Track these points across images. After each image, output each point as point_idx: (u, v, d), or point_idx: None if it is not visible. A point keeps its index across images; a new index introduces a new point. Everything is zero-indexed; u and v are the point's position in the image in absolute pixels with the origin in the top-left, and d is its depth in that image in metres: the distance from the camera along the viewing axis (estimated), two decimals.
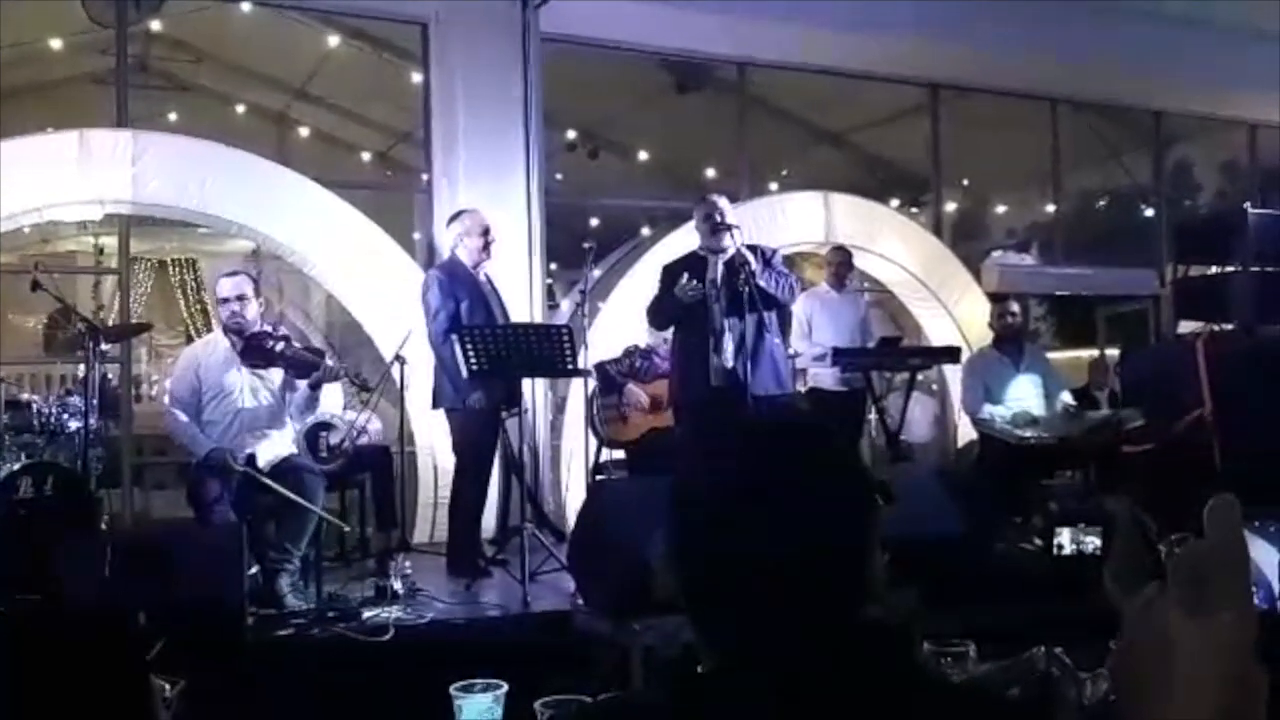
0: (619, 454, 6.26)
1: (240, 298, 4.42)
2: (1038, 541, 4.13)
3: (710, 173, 9.68)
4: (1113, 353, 8.74)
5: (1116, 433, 5.45)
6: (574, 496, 6.32)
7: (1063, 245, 9.75)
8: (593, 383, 5.92)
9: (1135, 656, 0.90)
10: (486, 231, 5.16)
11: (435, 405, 5.11)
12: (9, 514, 4.21)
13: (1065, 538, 3.85)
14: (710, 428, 1.21)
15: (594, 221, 9.92)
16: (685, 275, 4.86)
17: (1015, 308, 6.15)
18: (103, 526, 4.55)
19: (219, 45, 9.05)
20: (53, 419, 4.87)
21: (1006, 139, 9.55)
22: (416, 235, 7.37)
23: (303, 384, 4.47)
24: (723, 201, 5.02)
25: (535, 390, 6.12)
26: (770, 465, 1.06)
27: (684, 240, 5.96)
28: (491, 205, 6.39)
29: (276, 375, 4.42)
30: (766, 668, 1.00)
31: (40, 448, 4.86)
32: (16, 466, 4.39)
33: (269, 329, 4.40)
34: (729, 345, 4.86)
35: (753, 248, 4.93)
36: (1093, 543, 3.80)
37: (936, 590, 3.61)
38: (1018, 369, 5.90)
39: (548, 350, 4.54)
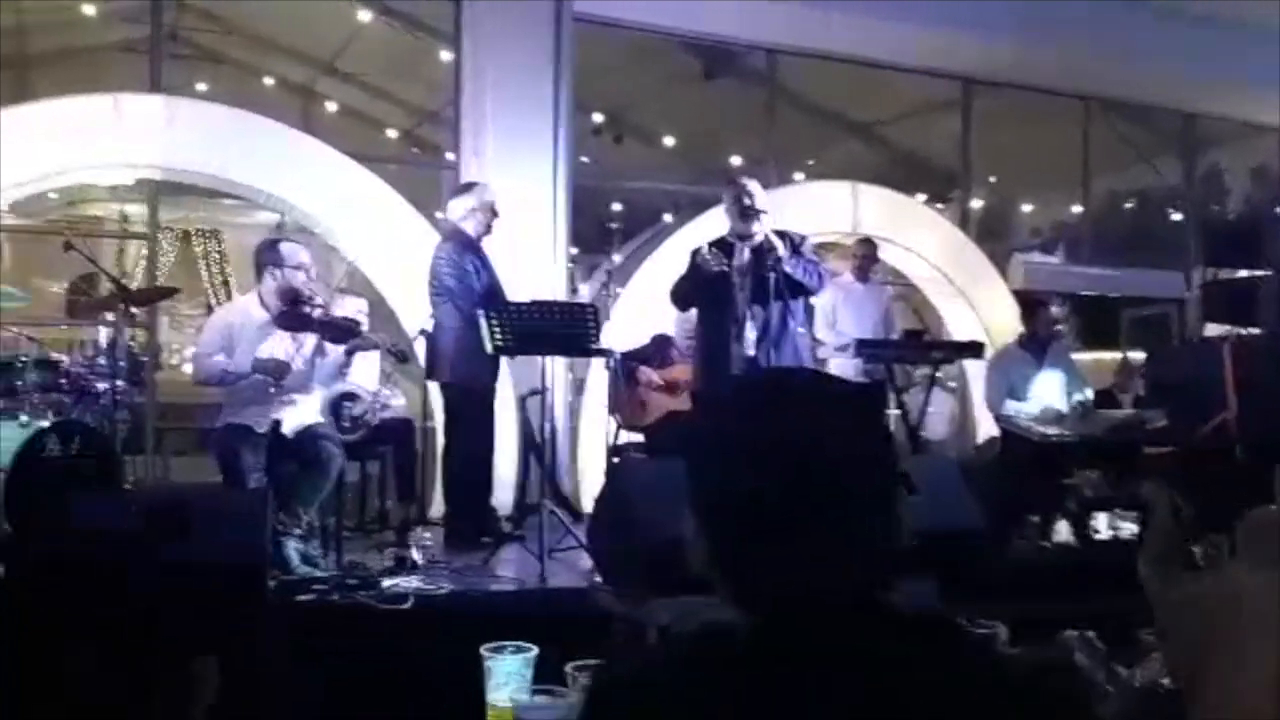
0: (637, 436, 6.27)
1: (308, 266, 4.45)
2: (1066, 535, 4.11)
3: (735, 160, 9.66)
4: (1136, 355, 8.68)
5: (1140, 433, 5.42)
6: (590, 477, 6.33)
7: (1089, 245, 9.69)
8: (613, 363, 5.93)
9: (1195, 624, 0.90)
10: (494, 208, 5.17)
11: (432, 377, 5.11)
12: (36, 471, 4.24)
13: (1102, 522, 3.82)
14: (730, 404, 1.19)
15: (616, 206, 9.92)
16: (707, 246, 4.82)
17: (1056, 312, 6.09)
18: (126, 488, 4.58)
19: (249, 17, 9.08)
20: (81, 380, 4.91)
21: (1036, 136, 9.49)
22: (440, 214, 7.38)
23: (335, 350, 4.49)
24: (753, 185, 4.97)
25: (555, 371, 6.13)
26: (796, 417, 1.05)
27: (707, 227, 5.94)
28: (518, 186, 6.40)
29: (309, 342, 4.44)
30: (801, 628, 1.00)
31: (68, 407, 4.91)
32: (45, 424, 4.42)
33: (307, 295, 4.43)
34: (751, 334, 4.83)
35: (781, 234, 4.90)
36: (1129, 528, 3.77)
37: (958, 582, 3.62)
38: (1041, 366, 5.88)
39: (574, 329, 4.54)
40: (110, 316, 5.13)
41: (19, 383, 4.64)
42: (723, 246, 4.98)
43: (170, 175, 6.07)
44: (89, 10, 8.28)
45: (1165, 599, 1.10)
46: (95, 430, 4.58)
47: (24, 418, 4.51)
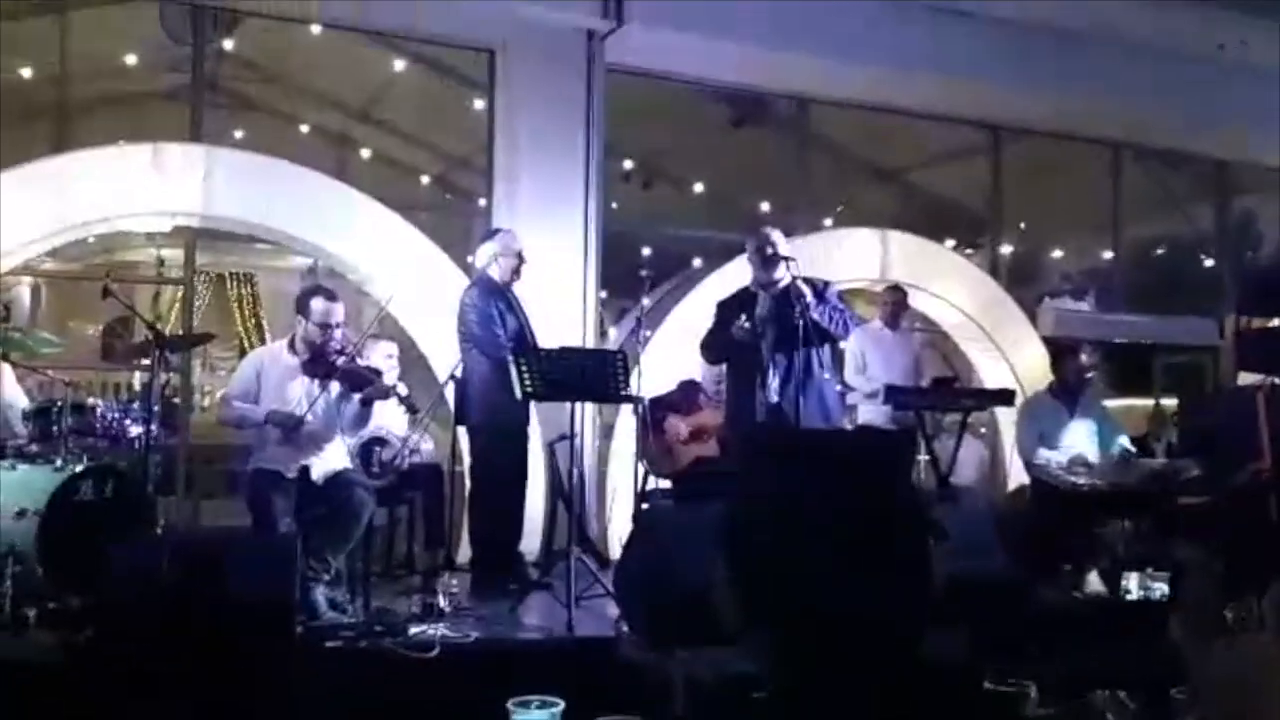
0: (665, 482, 6.25)
1: (338, 325, 4.50)
2: (1097, 585, 4.06)
3: (765, 207, 9.70)
4: (1168, 402, 8.59)
5: (1173, 483, 5.36)
6: (618, 523, 6.32)
7: (1121, 292, 9.63)
8: (641, 410, 5.93)
9: (1229, 690, 0.90)
10: (520, 254, 5.22)
11: (461, 422, 5.13)
12: (70, 516, 4.28)
13: (1133, 582, 3.77)
14: (758, 461, 1.20)
15: (645, 251, 9.97)
16: (743, 316, 4.86)
17: (1086, 359, 6.01)
18: (158, 531, 4.62)
19: (286, 65, 9.24)
20: (115, 424, 4.97)
21: (1066, 183, 9.48)
22: (471, 259, 7.46)
23: (355, 398, 4.53)
24: (775, 234, 5.03)
25: (584, 417, 6.14)
26: (834, 487, 1.06)
27: (737, 273, 5.97)
28: (549, 232, 6.48)
29: (334, 388, 4.48)
30: (830, 690, 1.00)
31: (102, 451, 4.96)
32: (79, 469, 4.47)
33: (335, 346, 4.48)
34: (774, 381, 4.85)
35: (806, 280, 4.92)
36: (1160, 589, 3.71)
37: (988, 631, 3.58)
38: (1073, 414, 5.82)
39: (603, 375, 4.56)
40: (145, 361, 5.20)
41: (55, 427, 4.70)
42: (746, 296, 5.01)
43: (208, 223, 6.16)
44: (130, 59, 8.47)
45: (1199, 663, 1.09)
46: (128, 474, 4.63)
47: (59, 461, 4.56)
